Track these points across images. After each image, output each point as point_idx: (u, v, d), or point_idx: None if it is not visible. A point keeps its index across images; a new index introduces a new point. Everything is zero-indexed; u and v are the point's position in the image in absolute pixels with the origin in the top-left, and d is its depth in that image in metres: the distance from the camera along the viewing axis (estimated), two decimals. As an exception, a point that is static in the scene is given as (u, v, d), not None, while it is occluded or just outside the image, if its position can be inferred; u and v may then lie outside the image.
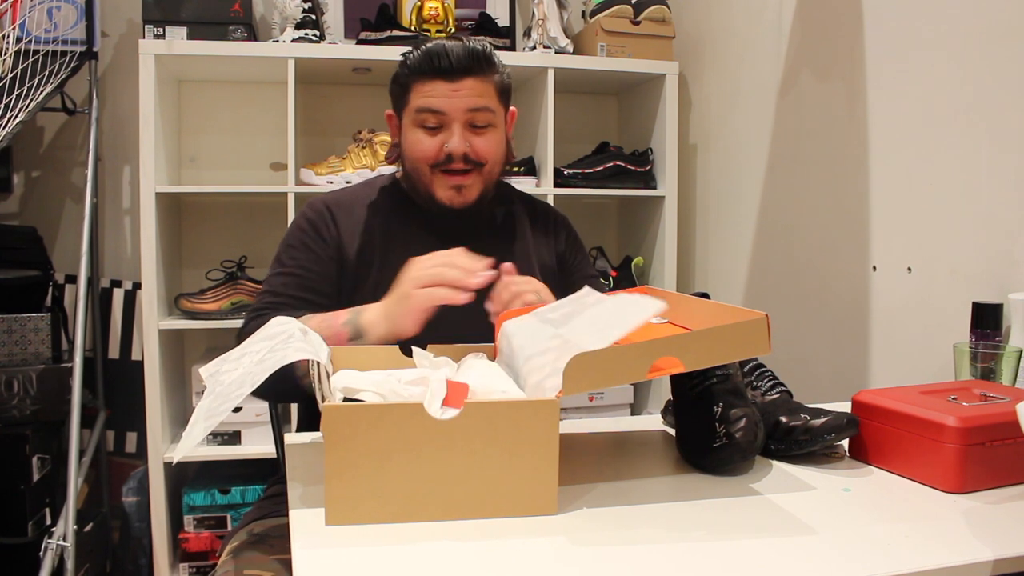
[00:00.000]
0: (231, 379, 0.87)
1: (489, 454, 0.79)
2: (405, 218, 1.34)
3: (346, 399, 0.88)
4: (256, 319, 1.27)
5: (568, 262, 1.45)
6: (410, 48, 1.27)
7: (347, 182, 2.13)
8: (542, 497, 0.81)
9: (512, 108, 1.36)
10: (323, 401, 0.85)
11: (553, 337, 0.95)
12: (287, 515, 1.16)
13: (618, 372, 0.81)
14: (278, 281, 1.28)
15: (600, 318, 0.98)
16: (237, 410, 2.05)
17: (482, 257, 1.08)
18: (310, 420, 1.34)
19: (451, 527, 0.79)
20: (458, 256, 1.08)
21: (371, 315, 1.12)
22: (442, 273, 1.06)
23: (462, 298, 1.04)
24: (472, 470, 0.79)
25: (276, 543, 1.11)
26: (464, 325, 1.13)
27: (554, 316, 1.06)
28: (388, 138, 2.22)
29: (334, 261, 1.29)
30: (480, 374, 0.96)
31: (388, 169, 2.03)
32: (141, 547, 2.30)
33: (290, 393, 1.12)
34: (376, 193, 1.37)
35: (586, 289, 1.14)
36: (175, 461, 0.88)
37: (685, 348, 0.83)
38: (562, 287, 1.40)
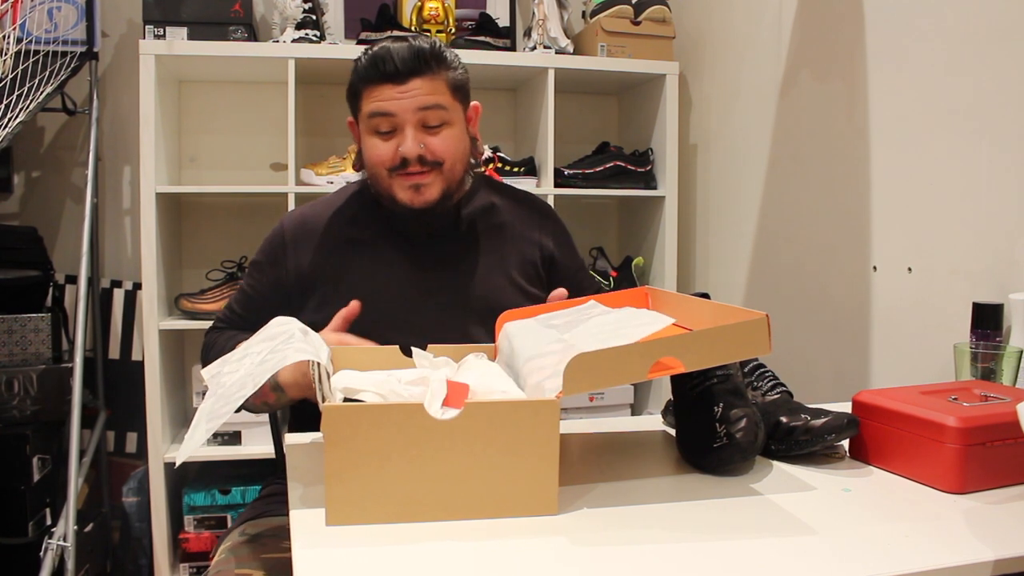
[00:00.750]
0: (232, 380, 0.87)
1: (489, 454, 0.79)
2: (372, 223, 1.32)
3: (346, 399, 0.88)
4: (211, 332, 1.36)
5: (556, 256, 1.40)
6: (359, 54, 1.25)
7: (347, 182, 2.13)
8: (542, 497, 0.81)
9: (474, 103, 1.32)
10: (323, 401, 0.85)
11: (556, 341, 0.95)
12: (281, 515, 1.17)
13: (618, 372, 0.81)
14: (235, 297, 1.37)
15: (605, 327, 0.98)
16: (237, 410, 2.05)
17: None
18: (300, 421, 1.33)
19: (451, 527, 0.79)
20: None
21: (286, 377, 1.09)
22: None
23: None
24: (472, 470, 0.79)
25: (269, 543, 1.11)
26: (436, 334, 1.13)
27: (558, 322, 1.06)
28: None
29: (279, 290, 1.31)
30: (480, 374, 0.96)
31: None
32: (141, 547, 2.29)
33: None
34: (343, 201, 1.36)
35: (591, 302, 1.14)
36: (177, 463, 0.88)
37: (686, 348, 0.83)
38: (549, 281, 1.39)
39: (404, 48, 1.20)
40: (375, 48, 1.22)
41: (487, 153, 2.29)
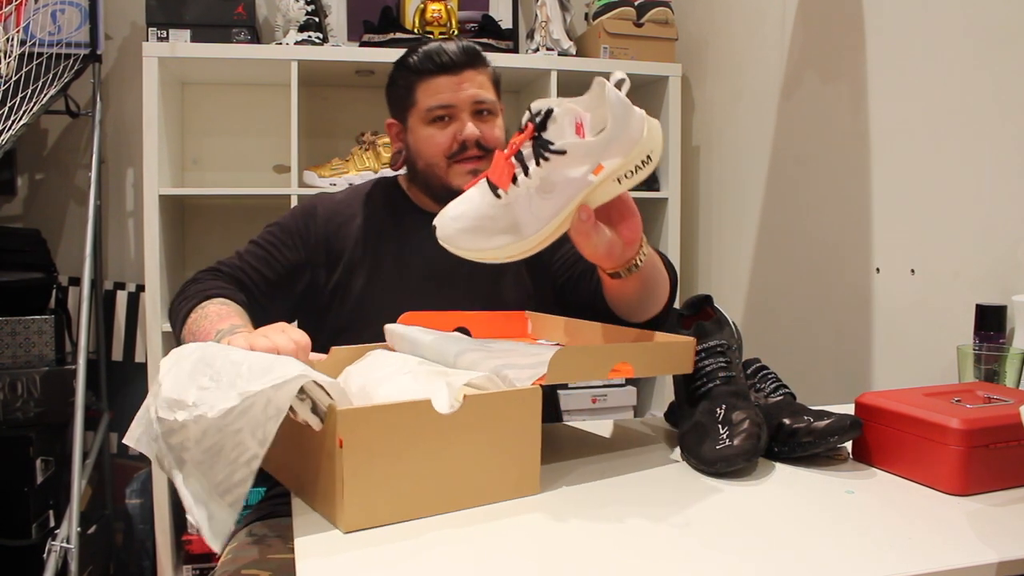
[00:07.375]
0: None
1: (482, 444, 0.83)
2: (402, 217, 1.36)
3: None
4: (205, 272, 1.29)
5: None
6: (405, 53, 1.32)
7: (350, 184, 2.13)
8: (527, 479, 0.87)
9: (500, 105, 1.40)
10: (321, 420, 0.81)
11: (478, 348, 0.98)
12: (286, 516, 1.17)
13: (590, 368, 0.93)
14: (246, 247, 1.34)
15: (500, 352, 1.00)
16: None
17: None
18: None
19: (451, 519, 0.80)
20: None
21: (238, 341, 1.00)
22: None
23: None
24: (469, 461, 0.83)
25: (275, 543, 1.11)
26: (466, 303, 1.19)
27: (457, 344, 1.04)
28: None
29: (294, 267, 1.31)
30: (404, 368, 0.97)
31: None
32: (144, 549, 2.30)
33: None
34: (375, 195, 1.40)
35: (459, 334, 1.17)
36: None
37: (637, 357, 0.95)
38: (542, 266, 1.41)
39: (453, 43, 1.30)
40: (425, 46, 1.30)
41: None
